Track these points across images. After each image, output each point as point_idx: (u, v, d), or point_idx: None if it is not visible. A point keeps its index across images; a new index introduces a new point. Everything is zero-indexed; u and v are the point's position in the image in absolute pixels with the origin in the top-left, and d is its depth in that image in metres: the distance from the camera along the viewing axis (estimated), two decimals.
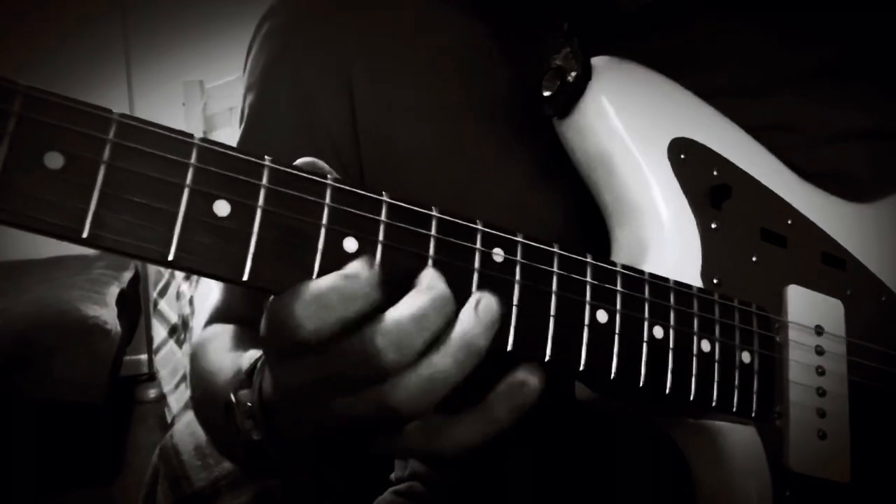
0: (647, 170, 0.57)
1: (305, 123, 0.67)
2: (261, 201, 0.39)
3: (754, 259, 0.59)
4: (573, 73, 0.56)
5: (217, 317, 0.76)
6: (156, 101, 3.10)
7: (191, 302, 2.09)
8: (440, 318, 0.40)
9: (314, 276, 0.40)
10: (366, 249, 0.42)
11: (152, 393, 2.90)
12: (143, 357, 3.01)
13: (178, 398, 2.23)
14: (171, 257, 0.37)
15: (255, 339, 0.60)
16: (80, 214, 0.35)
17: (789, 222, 0.61)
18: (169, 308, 2.54)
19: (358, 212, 0.42)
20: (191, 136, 0.39)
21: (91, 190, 0.36)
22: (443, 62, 0.67)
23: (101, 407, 2.20)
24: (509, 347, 0.45)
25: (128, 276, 2.73)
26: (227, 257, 0.39)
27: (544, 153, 0.62)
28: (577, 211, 0.62)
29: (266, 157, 0.40)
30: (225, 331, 0.71)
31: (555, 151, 0.60)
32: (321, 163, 0.43)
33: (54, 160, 0.35)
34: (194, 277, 2.14)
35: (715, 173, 0.59)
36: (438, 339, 0.40)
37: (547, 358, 0.46)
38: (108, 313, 2.30)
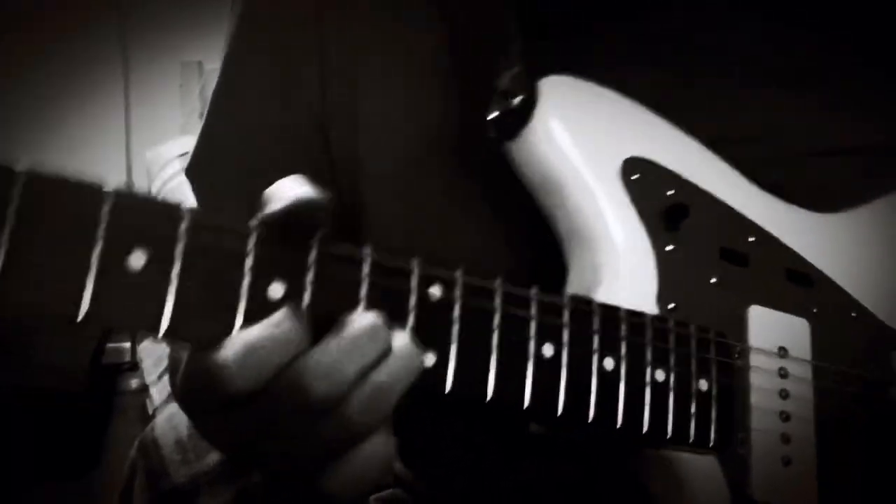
0: (600, 193, 0.57)
1: (284, 109, 0.68)
2: (180, 250, 0.39)
3: (713, 280, 0.59)
4: (519, 97, 0.56)
5: None
6: (152, 82, 3.09)
7: None
8: (373, 344, 0.40)
9: (237, 328, 0.40)
10: (293, 292, 0.41)
11: (134, 383, 2.90)
12: (127, 345, 3.02)
13: (160, 389, 2.23)
14: (79, 318, 0.37)
15: None
16: None
17: (751, 239, 0.61)
18: None
19: (286, 252, 0.42)
20: (99, 186, 0.38)
21: None
22: (403, 53, 0.67)
23: (80, 396, 2.22)
24: (447, 389, 0.45)
25: None
26: (143, 310, 0.38)
27: (488, 172, 0.62)
28: (534, 234, 0.61)
29: (182, 205, 0.40)
30: None
31: (499, 172, 0.60)
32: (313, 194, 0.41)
33: None
34: None
35: (670, 193, 0.58)
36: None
37: (489, 398, 0.46)
38: None
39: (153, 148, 2.19)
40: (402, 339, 0.42)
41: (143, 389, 2.62)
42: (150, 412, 2.29)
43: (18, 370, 2.14)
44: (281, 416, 0.40)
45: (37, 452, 2.24)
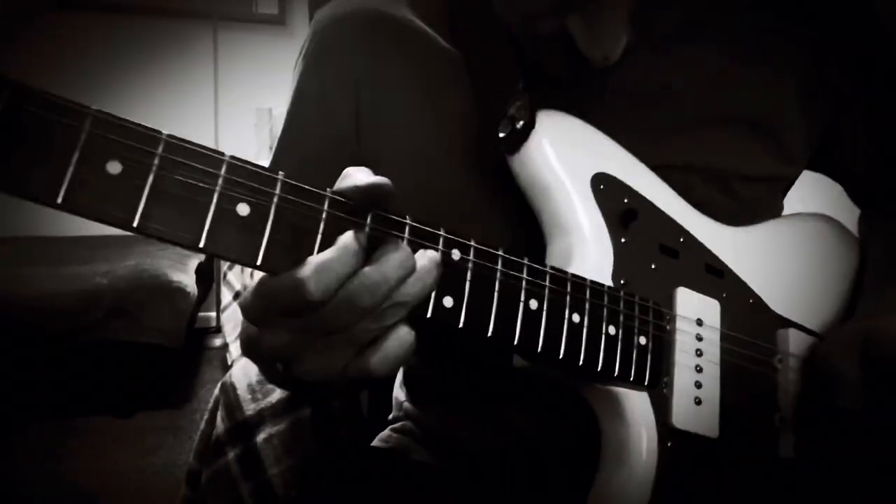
0: (575, 197, 0.56)
1: (330, 133, 0.66)
2: (274, 206, 0.39)
3: (653, 266, 0.59)
4: (521, 122, 0.56)
5: None
6: (233, 123, 3.10)
7: (251, 275, 2.10)
8: (401, 271, 0.40)
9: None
10: None
11: (218, 342, 2.93)
12: (213, 314, 3.03)
13: (236, 347, 2.23)
14: (201, 245, 0.37)
15: None
16: (132, 209, 0.35)
17: (681, 240, 0.61)
18: (235, 278, 2.56)
19: (349, 217, 0.41)
20: (222, 153, 0.38)
21: (142, 191, 0.35)
22: (426, 82, 0.64)
23: (178, 350, 2.25)
24: (460, 325, 0.45)
25: None
26: (246, 247, 0.38)
27: (493, 181, 0.61)
28: (520, 224, 0.61)
29: (280, 172, 0.40)
30: None
31: (502, 180, 0.59)
32: (383, 182, 0.41)
33: (114, 167, 0.35)
34: None
35: (625, 200, 0.58)
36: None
37: (489, 333, 0.46)
38: (188, 279, 2.34)
39: None
40: (423, 259, 0.41)
41: (224, 346, 2.63)
42: (229, 363, 2.30)
43: (133, 331, 2.17)
44: (335, 319, 0.39)
45: (148, 388, 2.30)
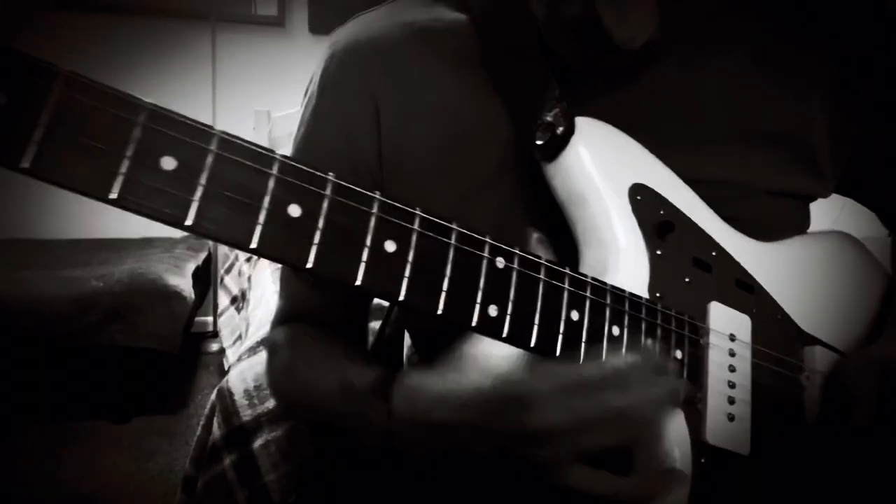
0: (612, 207, 0.56)
1: (351, 152, 0.65)
2: (325, 207, 0.38)
3: (687, 280, 0.58)
4: (560, 129, 0.55)
5: (283, 319, 0.72)
6: (232, 125, 3.08)
7: (249, 279, 2.09)
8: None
9: (361, 269, 0.39)
10: (402, 249, 0.40)
11: (214, 347, 2.91)
12: (210, 319, 3.01)
13: (234, 352, 2.23)
14: (253, 245, 0.36)
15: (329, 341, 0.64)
16: (185, 207, 0.34)
17: (714, 254, 0.61)
18: (232, 283, 2.54)
19: (398, 221, 0.41)
20: (273, 151, 0.37)
21: (195, 188, 0.34)
22: (450, 101, 0.63)
23: (174, 355, 2.23)
24: (504, 334, 0.44)
25: (202, 255, 2.74)
26: (296, 248, 0.37)
27: (523, 189, 0.60)
28: (550, 234, 0.59)
29: (330, 172, 0.39)
30: (302, 335, 0.69)
31: (534, 187, 0.58)
32: None
33: (169, 163, 0.34)
34: (253, 260, 2.13)
35: (662, 213, 0.58)
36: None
37: (532, 344, 0.45)
38: (185, 283, 2.31)
39: None
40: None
41: (221, 351, 2.63)
42: (226, 368, 2.28)
43: (129, 335, 2.15)
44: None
45: (144, 393, 2.28)
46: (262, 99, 3.01)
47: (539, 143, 0.56)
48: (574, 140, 0.55)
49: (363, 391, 0.53)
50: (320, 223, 0.38)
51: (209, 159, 0.35)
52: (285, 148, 0.52)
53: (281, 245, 0.37)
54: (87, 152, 0.32)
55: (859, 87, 0.68)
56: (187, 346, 2.49)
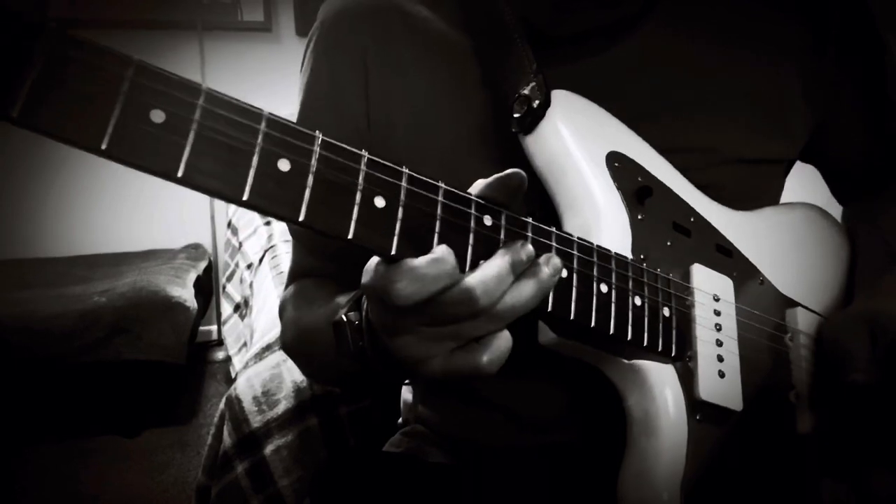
0: (591, 174, 0.57)
1: (339, 116, 0.68)
2: (314, 163, 0.39)
3: (668, 243, 0.59)
4: (537, 101, 0.56)
5: (293, 277, 0.77)
6: None
7: (251, 286, 2.06)
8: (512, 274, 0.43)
9: (353, 222, 0.39)
10: (391, 205, 0.41)
11: (220, 355, 2.90)
12: (214, 328, 2.98)
13: (240, 359, 2.21)
14: (245, 198, 0.36)
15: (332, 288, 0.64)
16: (176, 159, 0.34)
17: (692, 220, 0.62)
18: (234, 290, 2.51)
19: (386, 178, 0.41)
20: (260, 109, 0.38)
21: (186, 140, 0.34)
22: (435, 64, 0.66)
23: (180, 366, 2.22)
24: None
25: (203, 265, 2.72)
26: (288, 202, 0.38)
27: (503, 162, 0.61)
28: (530, 206, 0.60)
29: (317, 131, 0.39)
30: (307, 285, 0.73)
31: (513, 160, 0.59)
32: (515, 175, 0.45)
33: (158, 116, 0.34)
34: (254, 267, 2.10)
35: (639, 179, 0.59)
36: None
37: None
38: (187, 294, 2.30)
39: None
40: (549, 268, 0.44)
41: (227, 360, 2.62)
42: (233, 376, 2.25)
43: (134, 348, 2.15)
44: (446, 317, 0.42)
45: (151, 406, 2.27)
46: (254, 103, 2.99)
47: (516, 115, 0.57)
48: (550, 112, 0.57)
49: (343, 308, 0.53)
50: (310, 179, 0.38)
51: (198, 113, 0.35)
52: None
53: (272, 198, 0.37)
54: (78, 104, 0.32)
55: (829, 57, 0.70)
56: (193, 356, 2.48)
